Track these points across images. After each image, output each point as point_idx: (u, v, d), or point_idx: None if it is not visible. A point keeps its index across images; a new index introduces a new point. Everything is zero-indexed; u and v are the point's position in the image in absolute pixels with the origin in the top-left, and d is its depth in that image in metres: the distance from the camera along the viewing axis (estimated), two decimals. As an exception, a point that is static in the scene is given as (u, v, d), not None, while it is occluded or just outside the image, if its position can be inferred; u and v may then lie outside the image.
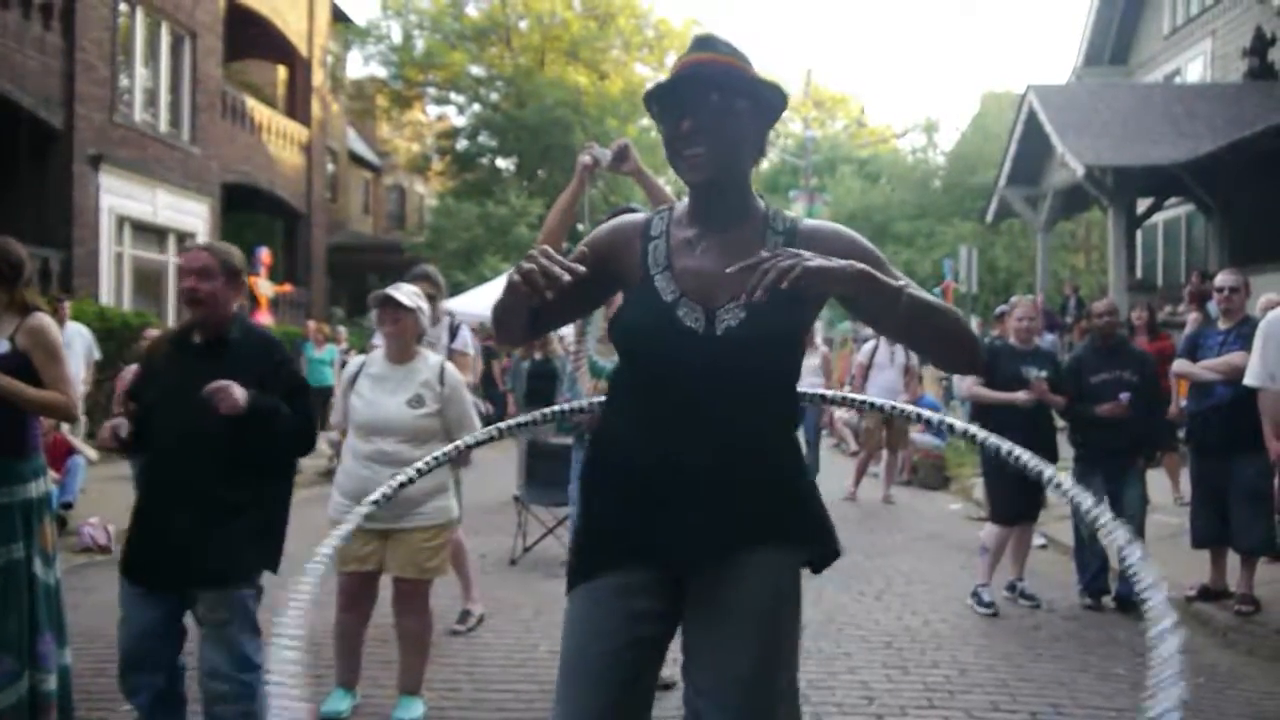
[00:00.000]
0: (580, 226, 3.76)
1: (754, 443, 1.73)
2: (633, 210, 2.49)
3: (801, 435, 8.82)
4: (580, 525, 1.89)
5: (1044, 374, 5.32)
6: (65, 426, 6.95)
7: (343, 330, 14.68)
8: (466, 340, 5.07)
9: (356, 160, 27.54)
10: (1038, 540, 6.37)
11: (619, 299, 1.88)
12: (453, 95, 27.88)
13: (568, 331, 4.72)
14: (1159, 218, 16.86)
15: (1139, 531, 5.29)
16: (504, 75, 26.55)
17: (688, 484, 1.70)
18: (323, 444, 8.81)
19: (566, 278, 1.59)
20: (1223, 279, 5.33)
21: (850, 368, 10.73)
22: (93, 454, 7.33)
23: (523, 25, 27.35)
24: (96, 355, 8.98)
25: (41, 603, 3.05)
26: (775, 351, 1.74)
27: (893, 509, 8.91)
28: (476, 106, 27.41)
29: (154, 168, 14.67)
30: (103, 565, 6.22)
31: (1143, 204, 15.72)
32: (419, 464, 1.99)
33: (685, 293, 1.74)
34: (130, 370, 6.67)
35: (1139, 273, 17.21)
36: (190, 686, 3.03)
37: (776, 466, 1.80)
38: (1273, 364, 4.53)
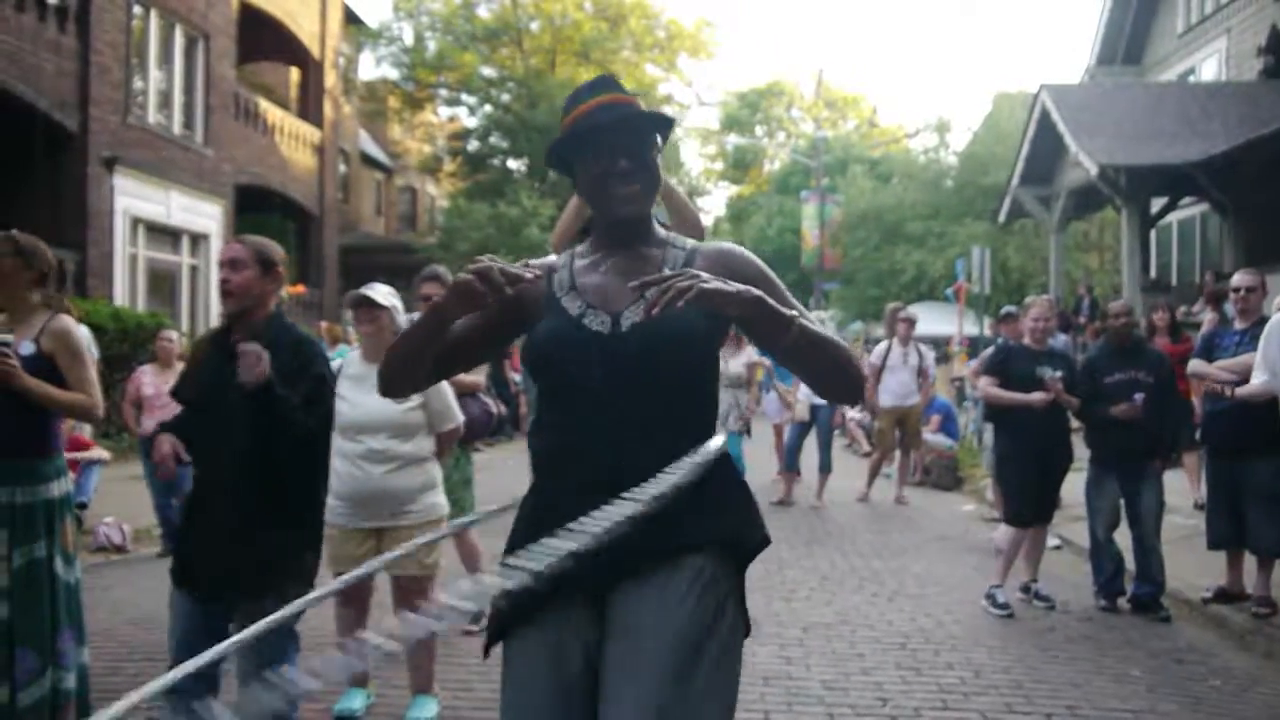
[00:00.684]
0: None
1: (666, 443, 1.67)
2: None
3: (815, 436, 8.76)
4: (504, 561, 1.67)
5: (1059, 374, 5.28)
6: (88, 428, 6.99)
7: (353, 331, 14.70)
8: None
9: (368, 161, 27.65)
10: (1052, 541, 6.34)
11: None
12: (464, 96, 27.88)
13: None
14: (1173, 217, 16.77)
15: (1155, 533, 5.27)
16: (515, 76, 26.55)
17: (597, 492, 1.56)
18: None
19: (529, 275, 1.66)
20: (1239, 279, 5.30)
21: (863, 369, 10.66)
22: (105, 454, 7.37)
23: (534, 26, 27.33)
24: (95, 354, 9.03)
25: (62, 601, 3.07)
26: (679, 346, 1.74)
27: (906, 510, 8.87)
28: (488, 108, 27.41)
29: (167, 169, 14.76)
30: (118, 565, 6.27)
31: (1157, 204, 15.63)
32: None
33: (591, 305, 1.79)
34: (143, 371, 6.72)
35: (1153, 273, 17.12)
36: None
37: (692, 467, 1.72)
38: (1274, 362, 4.52)
